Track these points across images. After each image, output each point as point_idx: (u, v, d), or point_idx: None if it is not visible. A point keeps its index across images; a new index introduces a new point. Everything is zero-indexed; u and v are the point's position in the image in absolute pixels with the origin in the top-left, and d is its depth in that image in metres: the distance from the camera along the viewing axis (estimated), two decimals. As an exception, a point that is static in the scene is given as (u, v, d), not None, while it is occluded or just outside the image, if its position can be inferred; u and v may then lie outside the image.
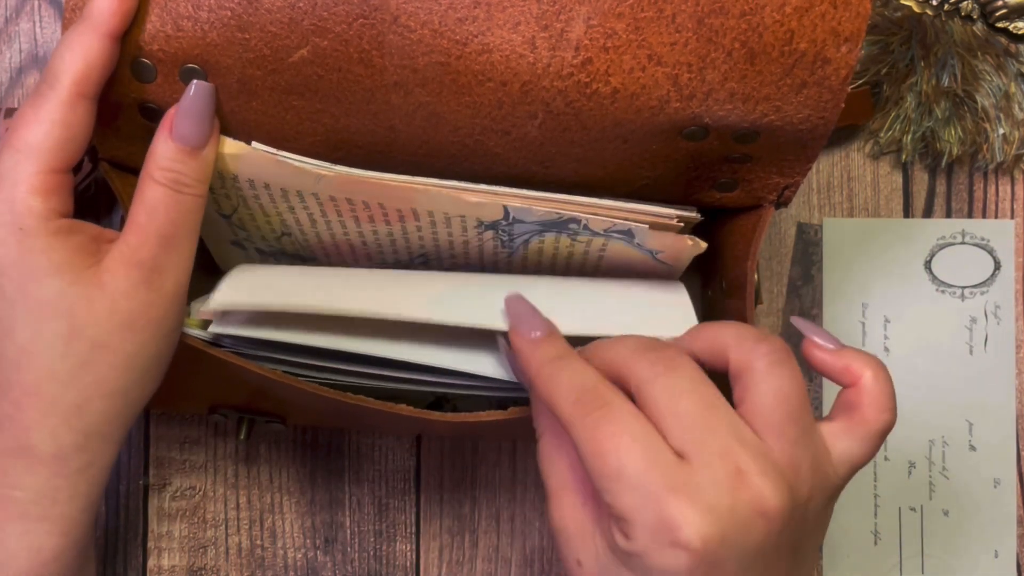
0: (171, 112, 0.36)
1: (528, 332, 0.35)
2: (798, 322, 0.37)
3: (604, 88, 0.35)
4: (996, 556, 0.52)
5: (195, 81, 0.36)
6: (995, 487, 0.52)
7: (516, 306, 0.37)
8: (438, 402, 0.44)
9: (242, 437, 0.48)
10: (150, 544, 0.51)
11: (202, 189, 0.37)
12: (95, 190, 0.50)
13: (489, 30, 0.34)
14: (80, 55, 0.34)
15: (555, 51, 0.34)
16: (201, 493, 0.52)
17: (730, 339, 0.34)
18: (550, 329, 0.36)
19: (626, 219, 0.38)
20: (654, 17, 0.34)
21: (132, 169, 0.40)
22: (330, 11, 0.34)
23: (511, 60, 0.34)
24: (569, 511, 0.34)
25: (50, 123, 0.35)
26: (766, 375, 0.33)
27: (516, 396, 0.39)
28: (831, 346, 0.36)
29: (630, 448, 0.31)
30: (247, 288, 0.39)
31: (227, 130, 0.38)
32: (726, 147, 0.38)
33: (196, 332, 0.39)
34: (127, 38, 0.35)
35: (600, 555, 0.33)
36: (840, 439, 0.34)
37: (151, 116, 0.37)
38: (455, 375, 0.39)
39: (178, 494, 0.51)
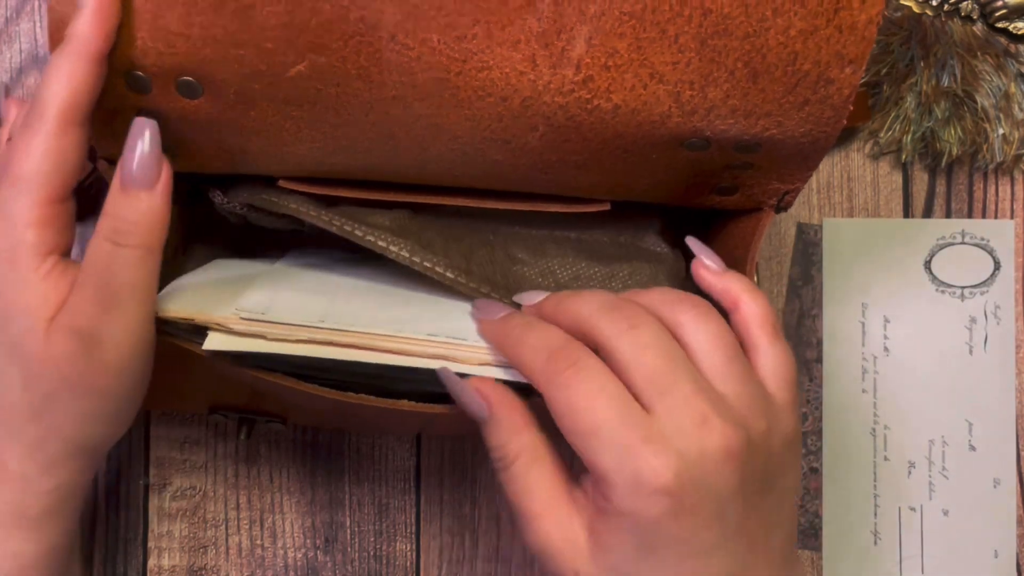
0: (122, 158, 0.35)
1: (494, 315, 0.37)
2: (692, 242, 0.38)
3: (605, 104, 0.35)
4: (996, 556, 0.52)
5: (136, 119, 0.35)
6: (995, 487, 0.52)
7: (482, 301, 0.38)
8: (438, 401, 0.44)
9: (242, 437, 0.48)
10: (150, 544, 0.51)
11: (146, 240, 0.35)
12: (96, 189, 0.50)
13: (489, 48, 0.34)
14: (66, 82, 0.34)
15: (556, 69, 0.34)
16: (201, 493, 0.52)
17: (656, 303, 0.35)
18: (513, 311, 0.37)
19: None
20: (656, 37, 0.34)
21: None
22: (325, 29, 0.34)
23: (511, 77, 0.34)
24: (556, 528, 0.34)
25: (41, 154, 0.34)
26: (697, 326, 0.34)
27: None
28: (716, 267, 0.37)
29: (605, 406, 0.32)
30: (237, 339, 0.38)
31: (225, 138, 0.37)
32: (727, 156, 0.38)
33: (191, 336, 0.39)
34: (118, 53, 0.35)
35: (594, 551, 0.33)
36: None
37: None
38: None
39: (178, 494, 0.52)
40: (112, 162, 0.40)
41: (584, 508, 0.34)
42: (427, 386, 0.39)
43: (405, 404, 0.39)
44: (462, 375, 0.37)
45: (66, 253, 0.37)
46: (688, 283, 0.40)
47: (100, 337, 0.35)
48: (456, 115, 0.35)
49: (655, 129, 0.36)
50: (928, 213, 0.53)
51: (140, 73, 0.35)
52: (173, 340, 0.38)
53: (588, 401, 0.32)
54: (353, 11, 0.33)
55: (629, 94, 0.35)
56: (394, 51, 0.34)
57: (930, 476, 0.52)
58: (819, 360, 0.52)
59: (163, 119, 0.37)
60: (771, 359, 0.36)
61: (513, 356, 0.35)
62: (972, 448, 0.52)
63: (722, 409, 0.33)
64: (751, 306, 0.36)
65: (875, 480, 0.52)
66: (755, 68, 0.34)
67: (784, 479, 0.35)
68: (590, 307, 0.35)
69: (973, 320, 0.53)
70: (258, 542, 0.52)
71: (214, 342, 0.37)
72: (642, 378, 0.33)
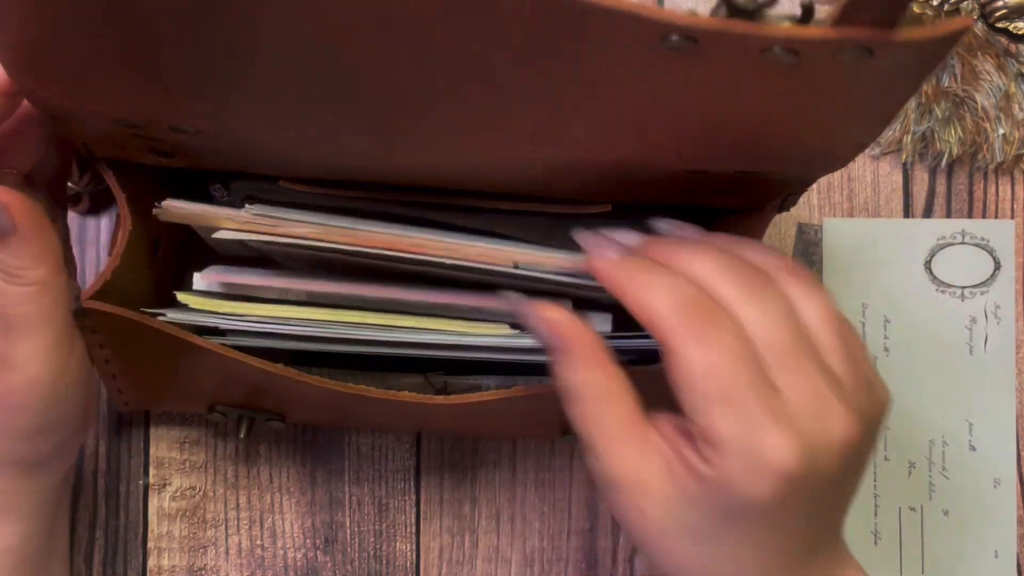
0: None
1: (606, 252, 0.35)
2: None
3: (605, 158, 0.34)
4: (996, 556, 0.52)
5: None
6: (995, 487, 0.52)
7: (587, 235, 0.36)
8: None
9: (242, 436, 0.48)
10: (150, 544, 0.51)
11: (37, 277, 0.35)
12: (100, 188, 0.50)
13: (483, 133, 0.33)
14: None
15: (554, 144, 0.33)
16: (201, 493, 0.52)
17: (770, 267, 0.34)
18: (626, 247, 0.35)
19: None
20: (656, 127, 0.32)
21: (129, 164, 0.40)
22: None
23: (509, 150, 0.34)
24: (629, 461, 0.32)
25: None
26: (808, 298, 0.33)
27: (516, 360, 0.39)
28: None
29: (737, 371, 0.30)
30: (248, 234, 0.38)
31: (224, 152, 0.37)
32: (728, 174, 0.38)
33: (193, 318, 0.39)
34: (102, 111, 0.34)
35: (670, 498, 0.32)
36: None
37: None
38: (457, 348, 0.39)
39: (178, 494, 0.51)
40: (111, 163, 0.40)
41: (660, 451, 0.32)
42: (427, 352, 0.39)
43: (405, 395, 0.39)
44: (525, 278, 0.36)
45: None
46: None
47: (9, 360, 0.35)
48: (455, 152, 0.35)
49: (657, 167, 0.36)
50: (928, 213, 0.53)
51: (128, 119, 0.35)
52: (172, 333, 0.38)
53: (722, 361, 0.30)
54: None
55: (630, 153, 0.34)
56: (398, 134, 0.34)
57: (930, 476, 0.52)
58: (819, 360, 0.52)
59: (159, 140, 0.37)
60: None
61: (636, 299, 0.32)
62: (972, 448, 0.52)
63: (844, 395, 0.31)
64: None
65: (875, 480, 0.52)
66: (759, 141, 0.33)
67: (862, 473, 0.34)
68: (708, 264, 0.33)
69: (973, 320, 0.53)
70: (258, 542, 0.52)
71: (225, 233, 0.37)
72: (768, 350, 0.31)
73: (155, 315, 0.39)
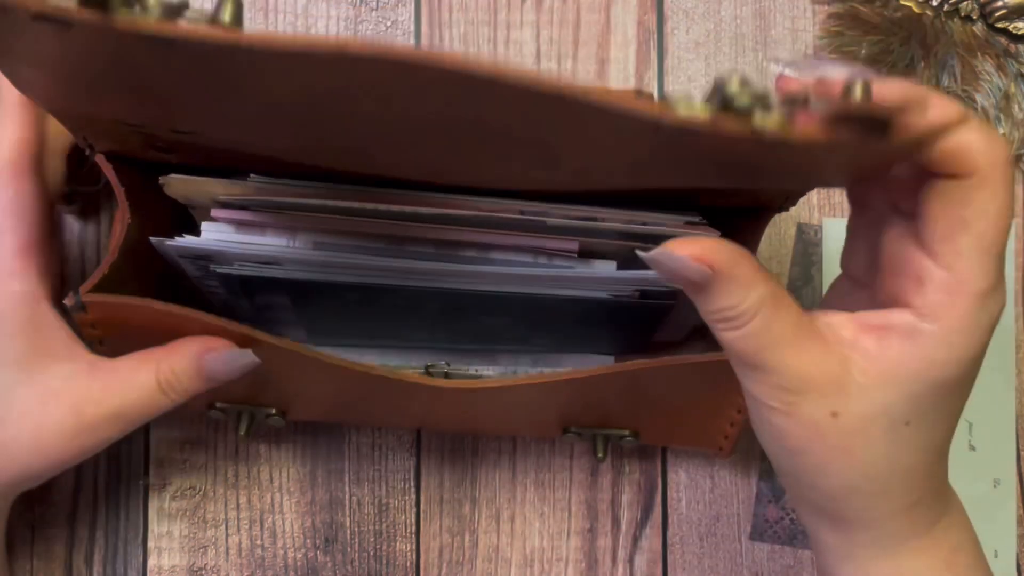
0: None
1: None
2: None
3: (603, 178, 0.35)
4: (996, 556, 0.52)
5: None
6: (995, 487, 0.52)
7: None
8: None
9: (242, 433, 0.48)
10: (150, 544, 0.51)
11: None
12: (101, 185, 0.50)
13: (478, 164, 0.34)
14: (7, 137, 0.37)
15: (550, 171, 0.34)
16: (201, 493, 0.52)
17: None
18: None
19: (636, 220, 0.38)
20: (647, 165, 0.33)
21: (129, 159, 0.40)
22: (308, 151, 0.34)
23: (508, 172, 0.35)
24: (813, 361, 0.31)
25: None
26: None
27: (536, 293, 0.39)
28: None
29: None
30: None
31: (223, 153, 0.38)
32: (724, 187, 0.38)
33: (202, 242, 0.39)
34: (103, 114, 0.35)
35: (868, 383, 0.31)
36: None
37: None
38: (472, 276, 0.39)
39: (178, 494, 0.51)
40: (111, 157, 0.40)
41: (842, 341, 0.31)
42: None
43: (410, 375, 0.39)
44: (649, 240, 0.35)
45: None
46: None
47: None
48: (451, 170, 0.36)
49: (653, 184, 0.36)
50: (928, 213, 0.53)
51: (128, 121, 0.35)
52: (173, 312, 0.39)
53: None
54: (337, 146, 0.33)
55: (629, 180, 0.35)
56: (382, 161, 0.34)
57: (930, 476, 0.52)
58: (819, 360, 0.52)
59: (159, 138, 0.37)
60: None
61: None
62: (972, 448, 0.52)
63: None
64: None
65: (875, 480, 0.52)
66: (753, 176, 0.34)
67: None
68: None
69: (973, 320, 0.53)
70: (258, 542, 0.52)
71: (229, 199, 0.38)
72: None
73: (163, 241, 0.39)
